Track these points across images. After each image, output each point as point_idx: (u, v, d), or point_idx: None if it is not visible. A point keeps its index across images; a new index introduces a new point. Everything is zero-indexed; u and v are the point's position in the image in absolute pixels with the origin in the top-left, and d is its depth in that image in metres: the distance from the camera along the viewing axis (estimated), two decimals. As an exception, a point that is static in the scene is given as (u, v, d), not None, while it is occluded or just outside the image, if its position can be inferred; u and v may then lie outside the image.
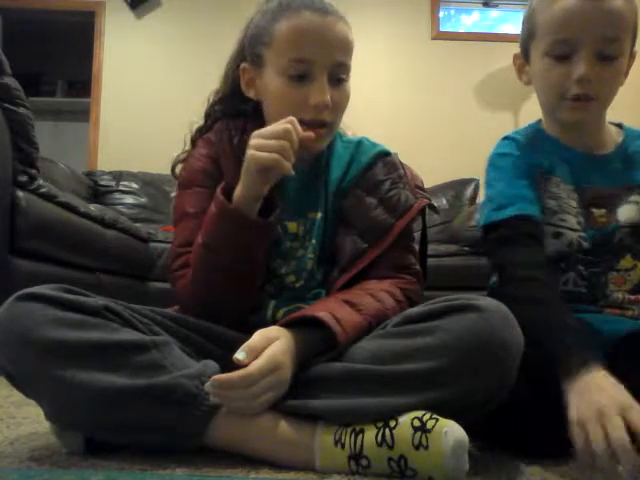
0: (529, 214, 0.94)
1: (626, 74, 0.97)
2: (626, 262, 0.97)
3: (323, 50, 0.88)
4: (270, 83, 0.92)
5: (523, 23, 1.01)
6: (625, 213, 0.97)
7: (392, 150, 1.03)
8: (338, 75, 0.91)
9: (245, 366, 0.70)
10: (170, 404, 0.72)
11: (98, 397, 0.71)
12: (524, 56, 1.02)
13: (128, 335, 0.76)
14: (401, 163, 1.02)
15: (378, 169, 0.98)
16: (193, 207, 0.94)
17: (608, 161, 1.00)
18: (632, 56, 0.97)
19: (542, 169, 1.00)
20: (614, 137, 1.03)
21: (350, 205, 0.96)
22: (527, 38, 0.99)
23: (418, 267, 0.97)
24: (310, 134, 0.84)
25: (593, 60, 0.90)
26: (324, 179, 0.98)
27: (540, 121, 1.07)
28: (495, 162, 1.02)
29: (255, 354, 0.71)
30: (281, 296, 0.95)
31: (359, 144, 1.02)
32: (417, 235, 1.03)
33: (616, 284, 0.97)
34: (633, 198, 0.98)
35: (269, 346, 0.73)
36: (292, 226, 0.96)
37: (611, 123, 1.05)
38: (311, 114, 0.89)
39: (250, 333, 0.76)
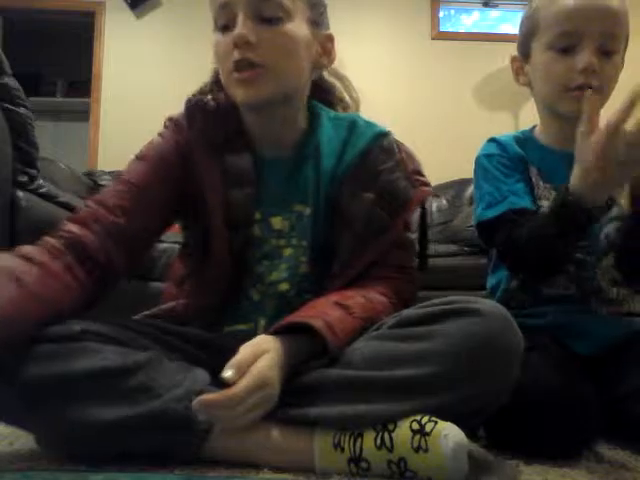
0: (521, 207, 0.95)
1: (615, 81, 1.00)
2: (608, 260, 0.98)
3: None
4: (212, 43, 0.88)
5: (523, 22, 1.03)
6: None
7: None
8: (264, 13, 0.82)
9: (233, 384, 0.68)
10: (163, 429, 0.70)
11: (88, 432, 0.69)
12: (523, 55, 1.04)
13: (109, 361, 0.71)
14: (397, 143, 0.95)
15: (376, 156, 0.90)
16: (129, 175, 0.87)
17: None
18: (622, 64, 1.00)
19: (524, 160, 1.02)
20: None
21: (345, 201, 0.88)
22: (529, 35, 1.01)
23: (413, 266, 0.94)
24: None
25: (595, 53, 0.93)
26: (315, 165, 0.90)
27: (533, 128, 1.08)
28: (481, 163, 1.04)
29: (242, 371, 0.68)
30: (269, 306, 0.89)
31: (353, 125, 0.93)
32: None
33: (604, 279, 0.98)
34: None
35: (257, 361, 0.70)
36: (276, 221, 0.90)
37: None
38: (236, 55, 0.82)
39: (241, 340, 0.73)
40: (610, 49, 0.94)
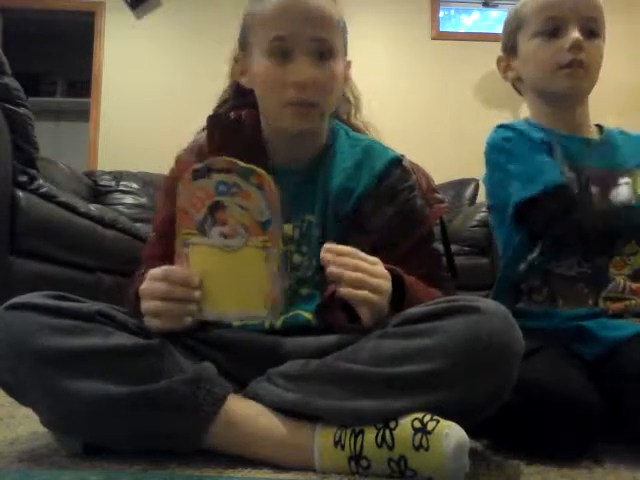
0: (559, 183, 0.96)
1: None
2: (630, 247, 0.99)
3: (301, 26, 0.87)
4: (256, 67, 0.91)
5: (507, 22, 1.12)
6: (620, 194, 1.01)
7: (396, 151, 1.00)
8: (320, 52, 0.88)
9: None
10: (167, 410, 0.71)
11: (94, 406, 0.71)
12: (509, 52, 1.11)
13: (123, 340, 0.75)
14: (411, 164, 0.99)
15: (393, 179, 0.94)
16: (157, 228, 0.98)
17: (598, 144, 1.06)
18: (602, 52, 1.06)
19: (546, 142, 1.03)
20: (596, 131, 1.10)
21: (365, 215, 0.91)
22: (515, 30, 1.09)
23: (445, 276, 0.96)
24: None
25: (580, 33, 1.00)
26: (324, 179, 0.94)
27: (527, 118, 1.12)
28: (502, 146, 1.04)
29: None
30: None
31: (369, 149, 0.97)
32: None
33: (616, 267, 0.98)
34: (623, 180, 1.02)
35: None
36: (288, 228, 0.92)
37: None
38: (294, 93, 0.87)
39: (246, 337, 0.75)
40: (594, 29, 1.02)
